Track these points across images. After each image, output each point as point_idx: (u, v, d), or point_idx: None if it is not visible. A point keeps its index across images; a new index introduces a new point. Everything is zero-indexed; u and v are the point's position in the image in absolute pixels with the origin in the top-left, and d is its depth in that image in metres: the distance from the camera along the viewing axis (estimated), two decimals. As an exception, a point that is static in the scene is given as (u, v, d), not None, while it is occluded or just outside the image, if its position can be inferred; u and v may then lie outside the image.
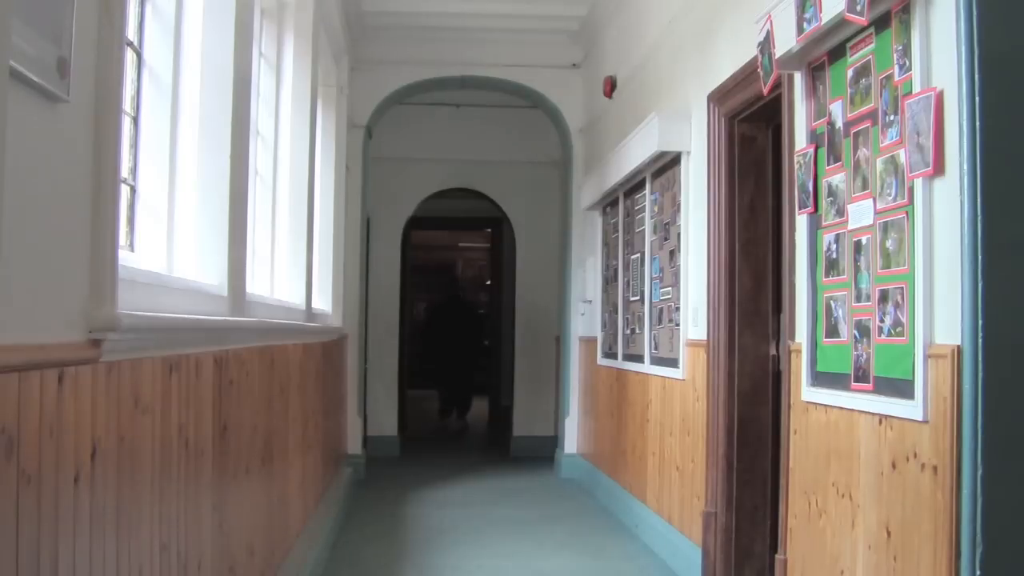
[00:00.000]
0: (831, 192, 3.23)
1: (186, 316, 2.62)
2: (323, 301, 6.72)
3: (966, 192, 2.41)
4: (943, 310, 2.55)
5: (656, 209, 5.84)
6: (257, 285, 4.40)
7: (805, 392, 3.39)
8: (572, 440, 8.46)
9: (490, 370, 12.54)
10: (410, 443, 10.06)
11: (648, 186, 6.00)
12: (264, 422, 3.78)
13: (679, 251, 5.27)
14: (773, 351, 4.48)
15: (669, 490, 5.46)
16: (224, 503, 3.04)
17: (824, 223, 3.28)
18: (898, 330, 2.74)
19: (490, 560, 5.38)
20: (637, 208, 6.35)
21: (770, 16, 3.50)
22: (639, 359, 6.17)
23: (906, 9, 2.73)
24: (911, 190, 2.68)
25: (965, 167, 2.41)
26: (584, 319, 8.23)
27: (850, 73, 3.08)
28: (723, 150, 4.64)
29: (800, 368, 3.44)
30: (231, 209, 3.21)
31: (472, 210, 11.60)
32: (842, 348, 3.10)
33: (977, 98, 2.39)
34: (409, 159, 9.96)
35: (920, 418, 2.59)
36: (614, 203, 7.07)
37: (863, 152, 2.99)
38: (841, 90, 3.15)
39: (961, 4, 2.44)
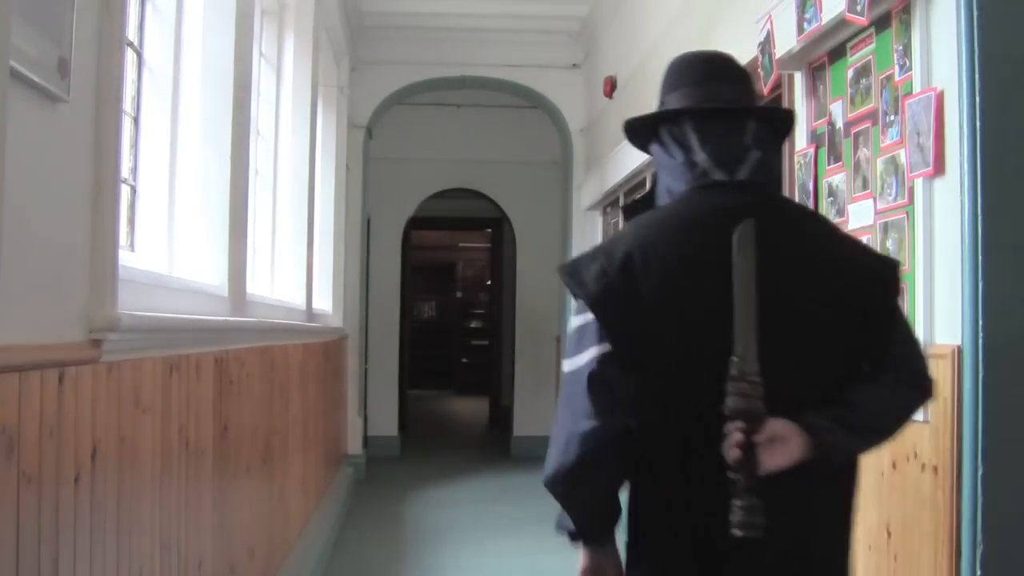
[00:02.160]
0: (831, 192, 3.23)
1: (186, 316, 2.62)
2: (323, 301, 6.72)
3: (966, 192, 2.41)
4: (943, 310, 2.55)
5: (656, 209, 5.83)
6: (257, 285, 4.40)
7: (805, 392, 3.39)
8: (572, 440, 8.44)
9: (490, 370, 12.54)
10: (410, 442, 10.05)
11: (648, 186, 5.99)
12: (264, 422, 3.78)
13: (679, 251, 5.26)
14: (773, 351, 4.47)
15: (669, 490, 5.45)
16: (224, 503, 3.04)
17: (824, 223, 3.28)
18: (898, 330, 2.74)
19: (490, 559, 5.38)
20: (637, 208, 6.34)
21: (770, 16, 3.50)
22: (639, 359, 6.16)
23: (906, 9, 2.73)
24: (911, 190, 2.68)
25: (965, 167, 2.41)
26: (584, 319, 8.21)
27: (850, 73, 3.08)
28: (723, 150, 4.63)
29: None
30: (231, 209, 3.21)
31: (472, 210, 11.60)
32: (842, 348, 3.10)
33: (977, 98, 2.39)
34: (409, 159, 9.96)
35: (920, 418, 2.59)
36: (614, 203, 7.07)
37: (863, 152, 2.99)
38: (841, 90, 3.15)
39: (961, 4, 2.43)
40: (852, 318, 1.69)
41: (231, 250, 3.21)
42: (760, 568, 1.59)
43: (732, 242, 1.61)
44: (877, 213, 2.88)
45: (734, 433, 1.54)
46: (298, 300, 5.15)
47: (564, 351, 1.74)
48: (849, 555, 1.76)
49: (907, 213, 2.71)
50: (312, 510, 5.41)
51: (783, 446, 1.56)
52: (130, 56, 2.75)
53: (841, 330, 1.68)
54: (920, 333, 2.61)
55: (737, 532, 1.52)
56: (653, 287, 1.64)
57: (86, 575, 1.85)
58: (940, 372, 2.51)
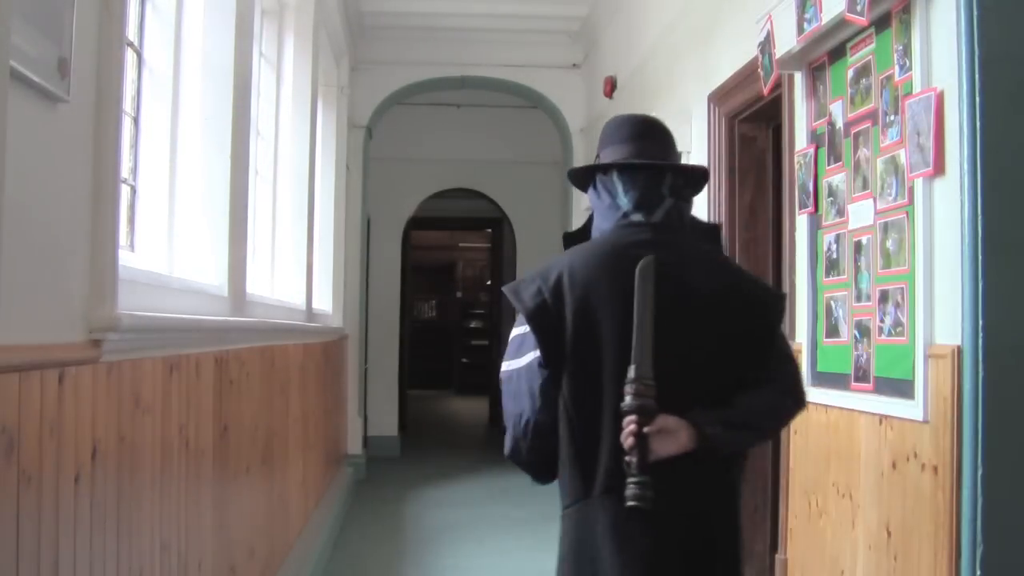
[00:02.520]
0: (831, 192, 3.23)
1: (186, 316, 2.62)
2: (323, 301, 6.72)
3: (966, 192, 2.41)
4: (943, 310, 2.55)
5: (656, 209, 5.82)
6: (257, 285, 4.40)
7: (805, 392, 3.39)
8: (572, 440, 8.45)
9: (490, 370, 12.53)
10: (410, 442, 10.05)
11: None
12: (264, 422, 3.78)
13: (679, 251, 5.26)
14: (773, 351, 4.47)
15: (669, 490, 5.45)
16: (224, 503, 3.04)
17: (824, 223, 3.28)
18: (898, 330, 2.74)
19: (490, 559, 5.38)
20: (637, 208, 6.33)
21: (770, 16, 3.50)
22: (639, 359, 6.16)
23: (906, 9, 2.73)
24: (911, 190, 2.68)
25: (965, 167, 2.41)
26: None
27: (850, 73, 3.08)
28: (723, 150, 4.63)
29: (800, 368, 3.44)
30: (231, 209, 3.21)
31: (472, 210, 11.60)
32: (842, 348, 3.10)
33: (977, 98, 2.39)
34: (409, 159, 9.96)
35: (920, 418, 2.59)
36: (614, 203, 7.06)
37: (863, 152, 2.99)
38: (841, 90, 3.15)
39: (961, 4, 2.44)
40: (738, 338, 2.09)
41: (231, 250, 3.21)
42: (654, 524, 1.99)
43: (641, 274, 2.01)
44: (877, 213, 2.88)
45: (629, 424, 1.94)
46: (298, 300, 5.15)
47: (507, 354, 2.18)
48: (736, 519, 2.18)
49: (907, 213, 2.71)
50: (312, 510, 5.41)
51: (672, 437, 1.96)
52: (130, 56, 2.75)
53: (727, 347, 2.08)
54: (920, 333, 2.61)
55: (629, 503, 1.92)
56: (575, 306, 2.05)
57: (86, 575, 1.85)
58: (940, 372, 2.51)
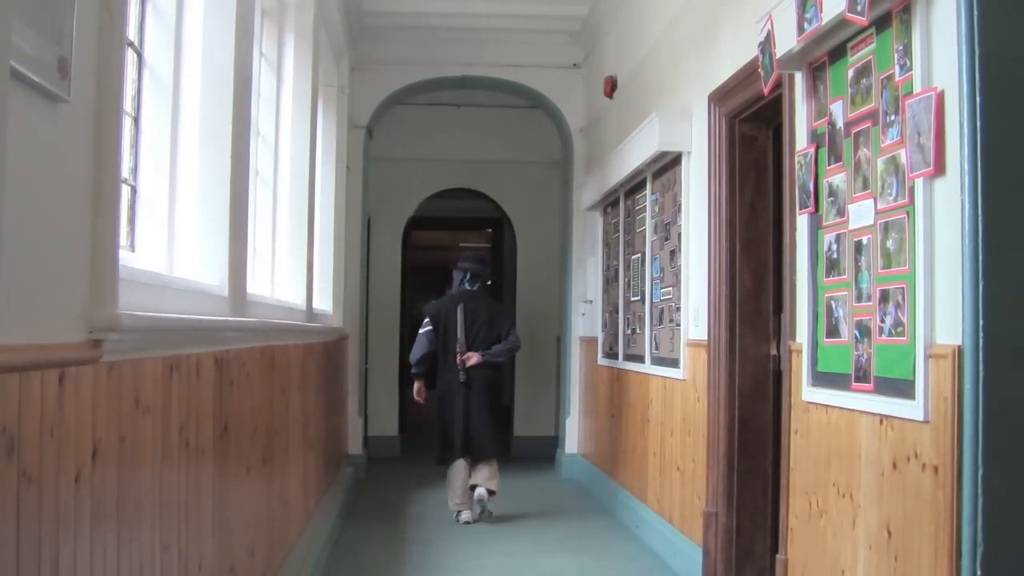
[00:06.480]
0: (832, 192, 3.23)
1: (186, 316, 2.61)
2: (323, 301, 6.72)
3: (966, 192, 2.41)
4: (944, 310, 2.55)
5: (657, 209, 5.84)
6: (257, 285, 4.40)
7: (806, 392, 3.39)
8: (573, 440, 8.46)
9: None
10: (410, 442, 10.04)
11: (649, 186, 6.00)
12: (265, 422, 3.78)
13: (680, 251, 5.27)
14: (774, 351, 4.48)
15: (670, 490, 5.46)
16: (225, 503, 3.04)
17: (825, 223, 3.28)
18: (899, 330, 2.74)
19: (490, 560, 5.38)
20: (638, 208, 6.35)
21: (771, 16, 3.50)
22: (640, 359, 6.17)
23: (907, 9, 2.73)
24: (912, 190, 2.68)
25: (966, 167, 2.41)
26: (584, 319, 8.23)
27: (851, 73, 3.08)
28: (724, 150, 4.64)
29: (801, 368, 3.44)
30: (231, 209, 3.20)
31: (472, 210, 11.59)
32: (843, 348, 3.10)
33: (977, 98, 2.39)
34: (409, 159, 9.96)
35: (921, 418, 2.59)
36: (615, 203, 7.07)
37: (864, 152, 2.99)
38: (842, 90, 3.15)
39: (962, 4, 2.44)
40: (492, 327, 6.70)
41: (231, 250, 3.21)
42: (468, 392, 6.57)
43: (460, 307, 6.68)
44: (877, 213, 2.88)
45: (458, 355, 6.58)
46: (298, 300, 5.15)
47: (420, 329, 6.88)
48: (495, 387, 6.80)
49: (907, 213, 2.71)
50: (312, 510, 5.41)
51: (472, 358, 6.57)
52: (130, 56, 2.75)
53: (489, 331, 6.68)
54: (921, 333, 2.61)
55: (460, 380, 6.56)
56: (443, 316, 6.72)
57: (86, 575, 1.85)
58: (940, 372, 2.51)
